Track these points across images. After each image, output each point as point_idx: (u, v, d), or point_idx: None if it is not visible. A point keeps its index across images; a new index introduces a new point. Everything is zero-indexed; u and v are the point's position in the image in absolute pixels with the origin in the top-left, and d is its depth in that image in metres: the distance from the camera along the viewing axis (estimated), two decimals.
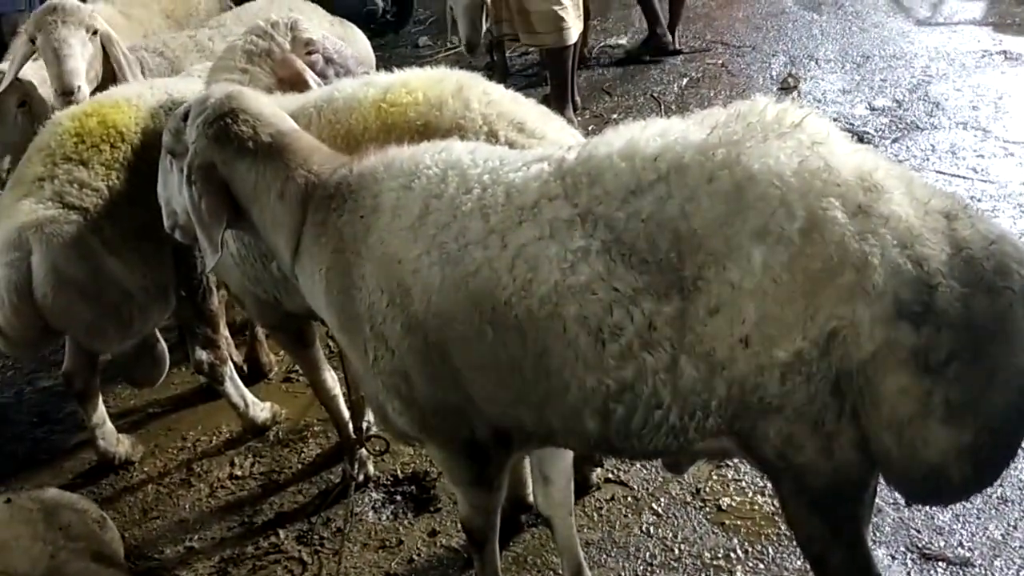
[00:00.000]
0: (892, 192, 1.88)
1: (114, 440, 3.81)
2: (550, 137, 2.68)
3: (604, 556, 3.06)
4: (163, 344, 3.87)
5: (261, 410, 3.89)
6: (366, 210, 2.27)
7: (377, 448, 3.47)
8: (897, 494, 2.95)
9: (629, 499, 3.28)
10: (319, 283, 2.38)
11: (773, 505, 3.08)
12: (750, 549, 3.01)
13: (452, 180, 2.18)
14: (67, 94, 3.75)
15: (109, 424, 3.81)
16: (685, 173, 1.93)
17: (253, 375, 4.20)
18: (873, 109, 6.15)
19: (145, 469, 3.81)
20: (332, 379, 3.42)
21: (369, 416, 3.54)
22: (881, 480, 2.04)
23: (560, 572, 2.94)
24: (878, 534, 2.95)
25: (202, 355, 3.67)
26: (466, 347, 2.14)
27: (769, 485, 2.99)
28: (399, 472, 3.54)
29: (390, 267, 2.20)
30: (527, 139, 2.64)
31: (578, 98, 6.71)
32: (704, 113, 2.08)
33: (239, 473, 3.69)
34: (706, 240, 1.89)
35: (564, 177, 2.06)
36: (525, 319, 2.04)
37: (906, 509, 3.04)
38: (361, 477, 3.48)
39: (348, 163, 2.39)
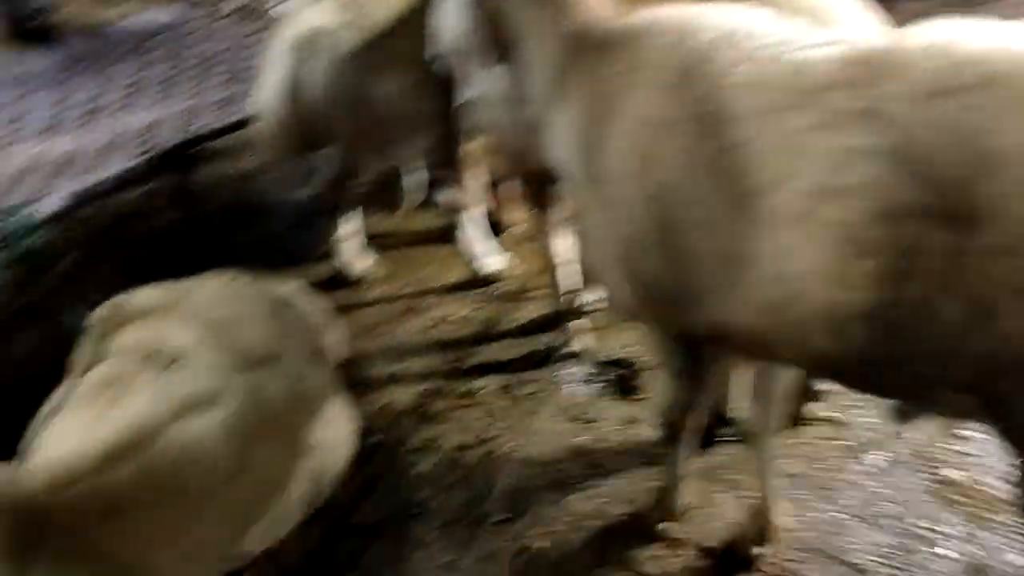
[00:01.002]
0: None
1: (355, 257, 4.00)
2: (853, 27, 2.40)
3: (800, 492, 2.87)
4: (417, 176, 3.96)
5: (491, 262, 3.93)
6: (628, 66, 2.12)
7: (591, 324, 3.43)
8: None
9: (843, 444, 3.04)
10: (569, 135, 2.29)
11: (1001, 490, 2.76)
12: (963, 529, 2.72)
13: (725, 49, 1.98)
14: None
15: (354, 241, 3.99)
16: (1008, 85, 1.64)
17: (495, 229, 4.23)
18: None
19: (376, 291, 3.98)
20: (564, 246, 3.37)
21: (588, 295, 3.49)
22: None
23: (746, 493, 2.80)
24: None
25: (445, 195, 3.73)
26: (700, 231, 1.99)
27: (1000, 468, 2.68)
28: (610, 353, 3.47)
29: (642, 130, 2.06)
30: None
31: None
32: None
33: (457, 316, 3.78)
34: (1011, 167, 1.61)
35: (858, 65, 1.81)
36: (772, 213, 1.86)
37: None
38: (570, 348, 3.45)
39: (623, 14, 2.25)
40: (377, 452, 3.02)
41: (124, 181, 4.11)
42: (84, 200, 3.92)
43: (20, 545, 1.86)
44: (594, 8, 2.32)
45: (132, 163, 4.12)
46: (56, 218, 3.81)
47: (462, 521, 2.85)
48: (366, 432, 2.80)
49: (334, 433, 2.50)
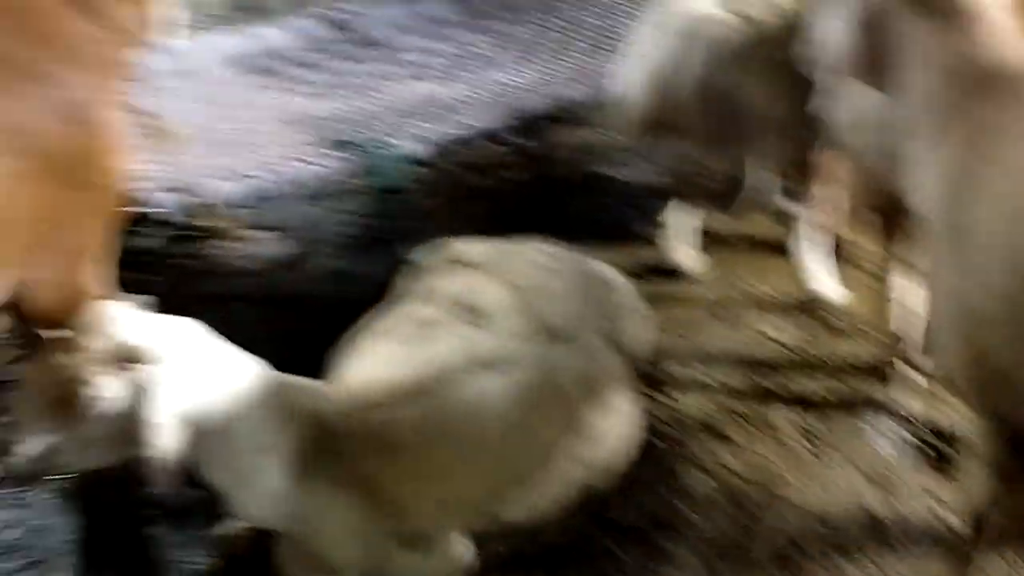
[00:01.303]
0: None
1: (681, 250, 3.91)
2: None
3: None
4: (763, 180, 3.80)
5: (824, 286, 3.68)
6: (1016, 109, 1.86)
7: (917, 380, 3.12)
8: None
9: None
10: (936, 175, 2.05)
11: None
12: None
13: None
14: None
15: (685, 234, 3.91)
16: None
17: (838, 253, 3.94)
18: None
19: (693, 289, 3.86)
20: (906, 288, 3.08)
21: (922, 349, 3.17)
22: None
23: None
24: None
25: (783, 203, 3.55)
26: None
27: None
28: (931, 417, 3.13)
29: (1021, 187, 1.80)
30: None
31: None
32: None
33: (771, 334, 3.59)
34: None
35: None
36: None
37: None
38: (887, 400, 3.16)
39: None
40: (652, 454, 2.96)
41: (483, 135, 4.33)
42: (444, 146, 4.18)
43: (310, 459, 2.03)
44: (999, 39, 2.04)
45: (493, 119, 4.32)
46: (414, 158, 4.09)
47: (720, 550, 2.72)
48: (646, 431, 2.75)
49: (616, 425, 2.47)
